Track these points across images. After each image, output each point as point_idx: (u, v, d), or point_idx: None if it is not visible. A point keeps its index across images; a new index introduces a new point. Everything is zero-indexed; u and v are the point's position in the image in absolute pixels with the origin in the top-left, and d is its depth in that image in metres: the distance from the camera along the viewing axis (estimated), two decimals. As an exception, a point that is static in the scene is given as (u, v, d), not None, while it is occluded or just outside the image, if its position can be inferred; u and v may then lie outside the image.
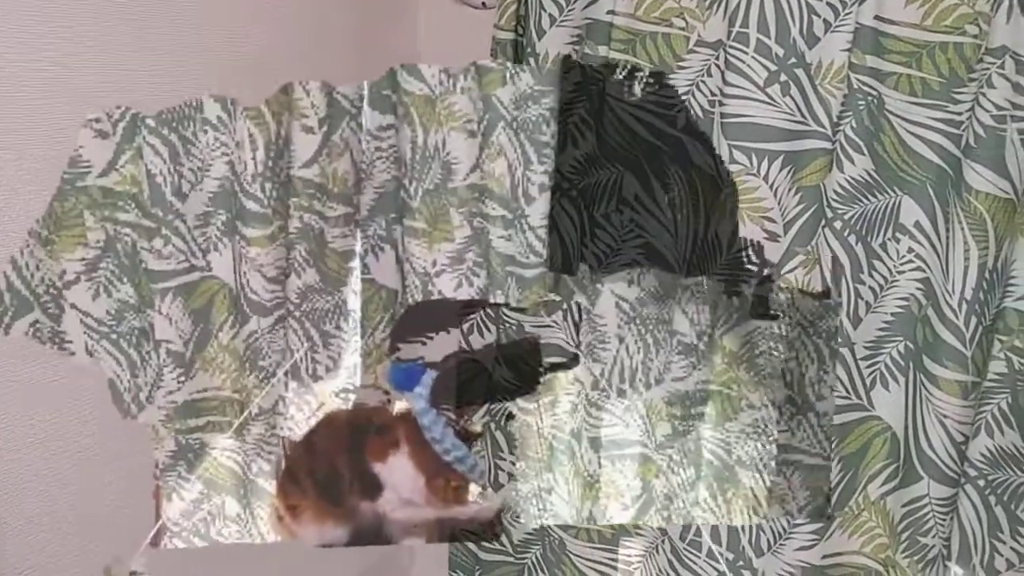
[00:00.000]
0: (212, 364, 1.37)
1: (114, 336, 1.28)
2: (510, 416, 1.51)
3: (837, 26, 1.31)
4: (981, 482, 1.35)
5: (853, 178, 1.34)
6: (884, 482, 1.42)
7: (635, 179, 1.45)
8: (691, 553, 1.52)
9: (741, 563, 1.50)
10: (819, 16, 1.32)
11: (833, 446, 1.43)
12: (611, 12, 1.41)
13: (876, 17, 1.29)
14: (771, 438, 1.46)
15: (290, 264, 1.39)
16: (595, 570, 1.61)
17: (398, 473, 1.36)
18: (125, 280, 1.28)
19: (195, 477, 1.39)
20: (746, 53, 1.34)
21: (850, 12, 1.30)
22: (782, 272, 1.39)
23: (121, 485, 1.27)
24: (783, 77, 1.34)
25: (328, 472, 1.39)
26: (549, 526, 1.59)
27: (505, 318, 1.51)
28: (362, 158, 1.40)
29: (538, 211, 1.41)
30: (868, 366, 1.40)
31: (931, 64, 1.29)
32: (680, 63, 1.41)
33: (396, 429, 1.37)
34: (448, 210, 1.40)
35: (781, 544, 1.47)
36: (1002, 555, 1.37)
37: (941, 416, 1.35)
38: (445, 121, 1.37)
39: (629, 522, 1.54)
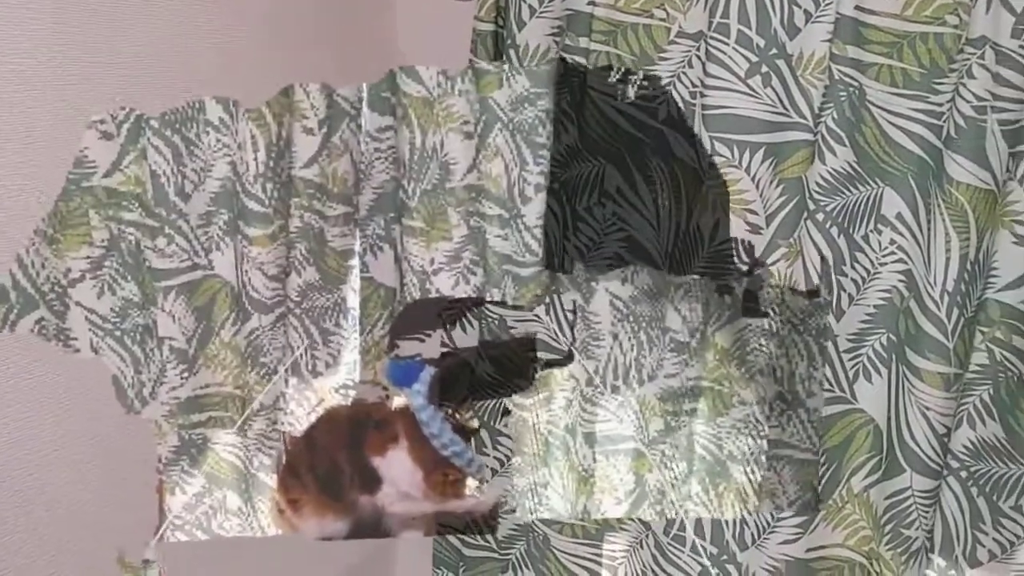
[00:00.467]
0: (214, 361, 1.38)
1: (118, 333, 1.28)
2: (506, 412, 1.52)
3: (818, 16, 1.30)
4: (963, 473, 1.34)
5: (835, 170, 1.33)
6: (867, 475, 1.41)
7: (617, 172, 1.44)
8: (675, 548, 1.53)
9: (725, 557, 1.50)
10: (800, 7, 1.31)
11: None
12: (592, 3, 1.40)
13: (856, 7, 1.28)
14: (762, 433, 1.46)
15: (291, 262, 1.40)
16: (579, 565, 1.60)
17: (397, 467, 1.36)
18: (129, 278, 1.29)
19: (197, 471, 1.40)
20: (727, 44, 1.33)
21: (831, 2, 1.29)
22: (764, 264, 1.39)
23: (98, 484, 1.26)
24: (764, 68, 1.33)
25: (328, 467, 1.40)
26: (533, 522, 1.59)
27: (491, 314, 1.52)
28: (361, 159, 1.41)
29: (534, 211, 1.42)
30: (851, 359, 1.40)
31: (912, 55, 1.28)
32: (661, 54, 1.39)
33: (395, 424, 1.37)
34: (446, 210, 1.41)
35: (765, 538, 1.47)
36: (984, 546, 1.37)
37: (924, 408, 1.34)
38: (443, 122, 1.38)
39: (622, 516, 1.55)
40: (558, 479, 1.56)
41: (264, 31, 1.41)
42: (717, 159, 1.36)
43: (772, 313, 1.43)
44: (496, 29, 1.49)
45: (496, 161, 1.40)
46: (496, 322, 1.51)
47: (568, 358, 1.49)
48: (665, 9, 1.38)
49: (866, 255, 1.37)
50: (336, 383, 1.47)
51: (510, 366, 1.50)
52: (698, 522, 1.51)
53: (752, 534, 1.49)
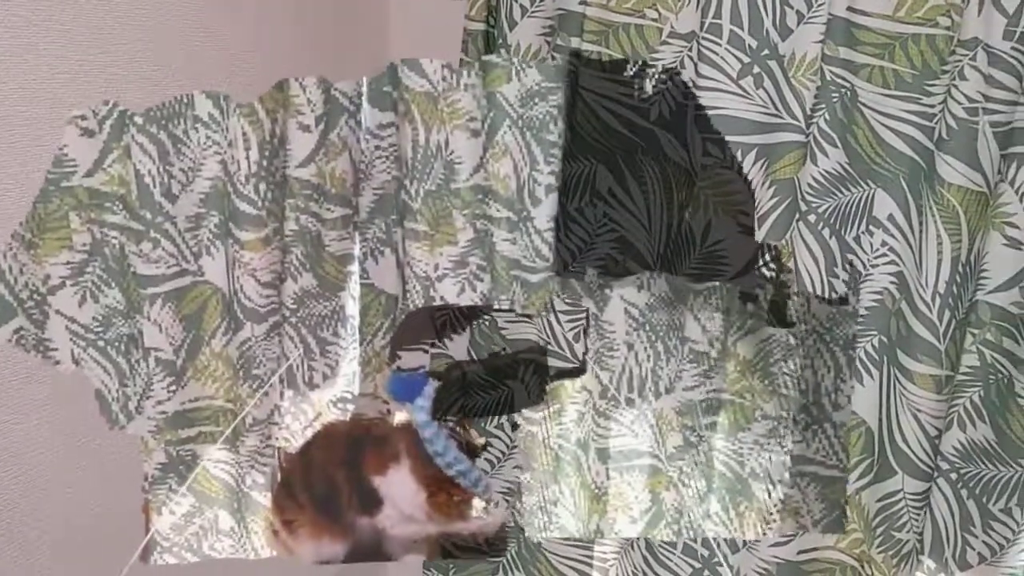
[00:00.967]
0: (204, 372, 1.36)
1: (101, 343, 1.26)
2: (515, 426, 1.50)
3: (810, 17, 1.32)
4: (953, 475, 1.36)
5: (827, 171, 1.34)
6: (859, 477, 1.42)
7: (608, 172, 1.46)
8: (666, 550, 1.54)
9: (716, 559, 1.51)
10: (792, 7, 1.32)
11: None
12: (583, 3, 1.42)
13: (849, 8, 1.30)
14: (786, 449, 1.45)
15: (285, 268, 1.37)
16: (570, 567, 1.61)
17: (398, 487, 1.34)
18: (113, 285, 1.26)
19: (186, 490, 1.38)
20: (719, 45, 1.34)
21: (823, 3, 1.30)
22: (757, 266, 1.40)
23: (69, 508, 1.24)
24: (756, 69, 1.34)
25: (325, 486, 1.38)
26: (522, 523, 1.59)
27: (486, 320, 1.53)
28: (361, 157, 1.39)
29: (544, 213, 1.39)
30: None
31: (904, 56, 1.30)
32: (653, 55, 1.41)
33: (396, 441, 1.36)
34: (451, 212, 1.39)
35: (756, 540, 1.49)
36: (974, 548, 1.38)
37: (915, 410, 1.36)
38: (448, 119, 1.36)
39: (638, 536, 1.54)
40: (569, 496, 1.54)
41: (251, 29, 1.40)
42: (709, 160, 1.39)
43: (796, 322, 1.41)
44: (487, 28, 1.51)
45: (504, 160, 1.37)
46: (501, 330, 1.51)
47: (580, 369, 1.47)
48: (657, 9, 1.40)
49: (858, 257, 1.38)
50: (334, 396, 1.45)
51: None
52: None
53: (743, 536, 1.50)
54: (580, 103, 1.43)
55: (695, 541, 1.53)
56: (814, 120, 1.33)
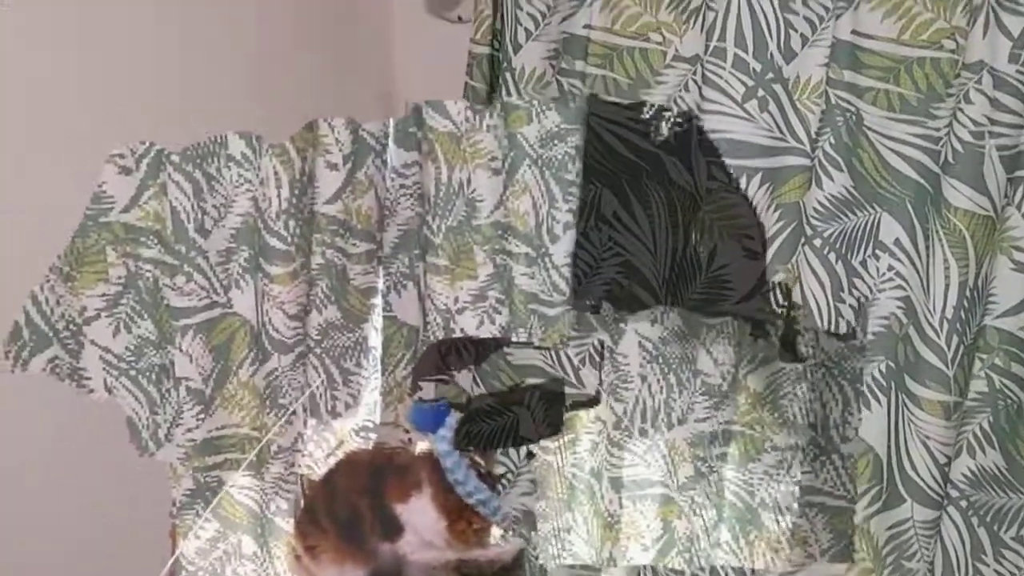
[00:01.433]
0: (231, 401, 1.39)
1: (133, 373, 1.31)
2: (530, 455, 1.50)
3: (814, 41, 1.31)
4: (963, 503, 1.32)
5: (832, 195, 1.32)
6: (868, 504, 1.39)
7: (614, 196, 1.44)
8: None
9: None
10: (796, 31, 1.31)
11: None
12: (588, 26, 1.40)
13: (853, 32, 1.28)
14: (795, 480, 1.45)
15: (311, 301, 1.40)
16: None
17: (419, 515, 1.35)
18: (146, 316, 1.31)
19: (212, 516, 1.41)
20: (723, 68, 1.33)
21: (827, 26, 1.29)
22: (763, 291, 1.38)
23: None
24: (761, 92, 1.33)
25: (348, 512, 1.39)
26: (529, 553, 1.55)
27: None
28: (386, 195, 1.42)
29: (562, 249, 1.41)
30: None
31: (909, 79, 1.28)
32: (658, 78, 1.39)
33: (418, 470, 1.37)
34: (471, 247, 1.41)
35: (766, 571, 1.47)
36: None
37: (924, 437, 1.33)
38: (470, 158, 1.38)
39: (650, 563, 1.53)
40: (582, 524, 1.54)
41: (262, 56, 1.45)
42: (714, 184, 1.37)
43: (807, 357, 1.40)
44: (492, 52, 1.50)
45: (524, 198, 1.39)
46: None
47: (595, 400, 1.47)
48: (661, 33, 1.38)
49: (864, 281, 1.36)
50: (356, 425, 1.47)
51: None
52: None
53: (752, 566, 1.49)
54: (584, 127, 1.42)
55: (703, 570, 1.50)
56: (819, 144, 1.32)
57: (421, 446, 1.41)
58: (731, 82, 1.33)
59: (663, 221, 1.43)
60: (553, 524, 1.54)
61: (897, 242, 1.34)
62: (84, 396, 1.29)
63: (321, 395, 1.43)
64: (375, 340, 1.46)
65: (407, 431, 1.44)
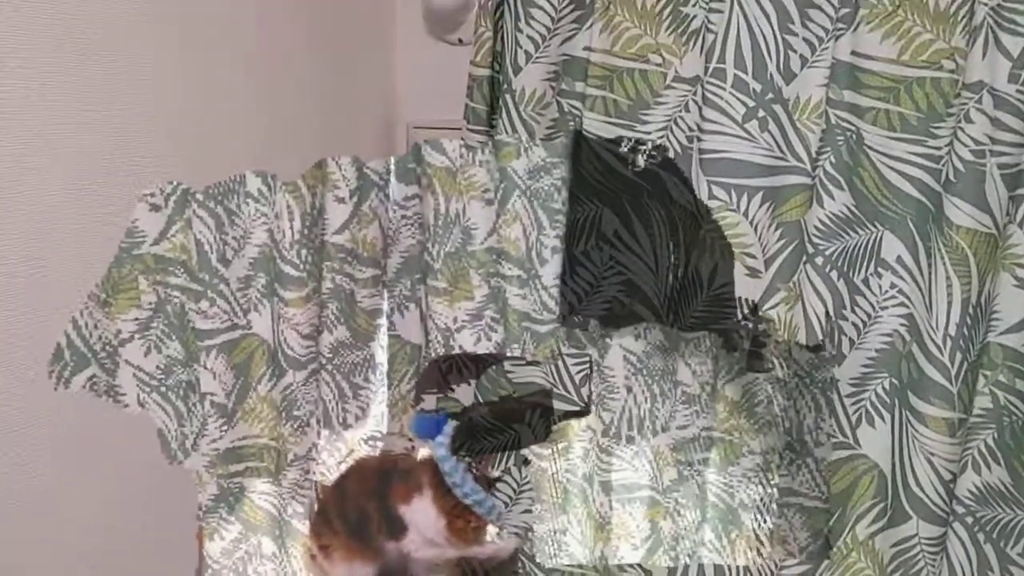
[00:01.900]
0: (251, 414, 1.44)
1: (163, 389, 1.36)
2: (526, 461, 1.52)
3: (814, 62, 1.30)
4: (969, 519, 1.31)
5: (833, 214, 1.31)
6: (872, 521, 1.38)
7: (615, 215, 1.42)
8: None
9: None
10: (795, 52, 1.30)
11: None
12: (587, 48, 1.38)
13: (853, 52, 1.27)
14: (772, 482, 1.47)
15: (323, 322, 1.45)
16: None
17: (421, 515, 1.40)
18: (174, 338, 1.36)
19: (235, 519, 1.46)
20: (723, 89, 1.31)
21: (827, 47, 1.28)
22: (764, 309, 1.36)
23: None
24: (761, 113, 1.31)
25: (357, 514, 1.44)
26: (532, 569, 1.55)
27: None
28: (389, 225, 1.47)
29: (551, 271, 1.45)
30: (853, 403, 1.38)
31: (909, 99, 1.27)
32: (657, 99, 1.38)
33: (419, 474, 1.40)
34: (468, 271, 1.45)
35: None
36: None
37: (929, 454, 1.31)
38: (465, 191, 1.42)
39: (638, 562, 1.56)
40: (576, 526, 1.57)
41: (263, 78, 1.44)
42: (714, 203, 1.35)
43: (779, 366, 1.43)
44: (492, 74, 1.49)
45: (515, 226, 1.43)
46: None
47: (585, 410, 1.50)
48: (661, 54, 1.37)
49: (866, 299, 1.35)
50: (365, 435, 1.51)
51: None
52: (700, 571, 1.51)
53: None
54: (585, 147, 1.41)
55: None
56: (820, 163, 1.29)
57: (423, 452, 1.44)
58: (731, 102, 1.32)
59: (664, 240, 1.42)
60: (549, 526, 1.56)
61: (899, 260, 1.32)
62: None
63: (333, 408, 1.49)
64: (381, 357, 1.50)
65: (411, 439, 1.48)
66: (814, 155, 1.31)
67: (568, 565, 1.55)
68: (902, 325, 1.34)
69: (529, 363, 1.48)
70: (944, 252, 1.27)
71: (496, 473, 1.48)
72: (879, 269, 1.34)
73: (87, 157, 1.18)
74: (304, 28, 1.60)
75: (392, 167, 1.44)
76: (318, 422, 1.49)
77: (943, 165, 1.27)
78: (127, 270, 1.31)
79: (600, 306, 1.46)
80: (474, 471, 1.42)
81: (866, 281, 1.34)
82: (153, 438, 1.35)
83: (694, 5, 1.36)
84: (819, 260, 1.33)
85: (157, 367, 1.35)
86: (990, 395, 1.28)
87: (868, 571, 1.40)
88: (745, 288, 1.39)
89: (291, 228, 1.40)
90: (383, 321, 1.50)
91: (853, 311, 1.36)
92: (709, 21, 1.34)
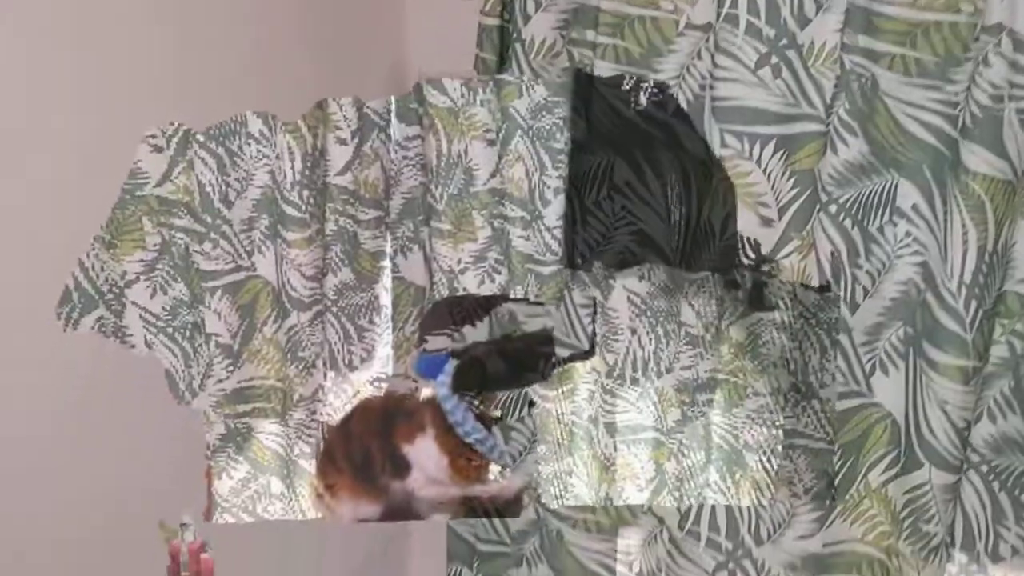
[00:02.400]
0: (257, 355, 1.46)
1: (170, 330, 1.37)
2: (531, 403, 1.54)
3: (828, 6, 1.28)
4: (984, 468, 1.31)
5: (848, 161, 1.30)
6: (885, 469, 1.39)
7: (626, 165, 1.41)
8: (689, 543, 1.52)
9: (740, 552, 1.50)
10: None
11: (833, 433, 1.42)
12: None
13: None
14: (777, 423, 1.47)
15: (327, 264, 1.47)
16: (594, 560, 1.60)
17: (424, 454, 1.42)
18: (179, 279, 1.38)
19: (243, 458, 1.48)
20: (736, 35, 1.30)
21: None
22: (777, 257, 1.36)
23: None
24: (774, 59, 1.30)
25: (362, 454, 1.46)
26: (545, 516, 1.59)
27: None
28: (391, 166, 1.47)
29: (554, 212, 1.45)
30: (867, 352, 1.38)
31: (926, 43, 1.25)
32: (670, 47, 1.36)
33: (422, 414, 1.43)
34: (471, 213, 1.45)
35: (781, 533, 1.47)
36: (1007, 541, 1.35)
37: (942, 402, 1.31)
38: (467, 131, 1.42)
39: (639, 505, 1.57)
40: (582, 467, 1.58)
41: (273, 30, 1.45)
42: (727, 151, 1.34)
43: (783, 307, 1.43)
44: (502, 24, 1.49)
45: (517, 166, 1.43)
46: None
47: (589, 352, 1.51)
48: (673, 1, 1.36)
49: (881, 247, 1.35)
50: (370, 376, 1.52)
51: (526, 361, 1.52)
52: (712, 517, 1.52)
53: (768, 529, 1.48)
54: (596, 96, 1.40)
55: (719, 534, 1.49)
56: (834, 109, 1.28)
57: (426, 392, 1.46)
58: (744, 49, 1.31)
59: (676, 189, 1.41)
60: (555, 467, 1.57)
61: (914, 207, 1.31)
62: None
63: (339, 350, 1.50)
64: (386, 299, 1.51)
65: (415, 380, 1.49)
66: (828, 102, 1.30)
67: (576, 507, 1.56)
68: (917, 273, 1.33)
69: (533, 304, 1.49)
70: (960, 199, 1.25)
71: (497, 413, 1.49)
72: (894, 217, 1.33)
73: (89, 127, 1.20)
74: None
75: (393, 107, 1.44)
76: (324, 364, 1.50)
77: (960, 111, 1.25)
78: (131, 212, 1.32)
79: (612, 256, 1.47)
80: (476, 411, 1.44)
81: (881, 229, 1.34)
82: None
83: (705, -50, 1.35)
84: (833, 208, 1.32)
85: (163, 308, 1.37)
86: (1007, 344, 1.28)
87: (880, 518, 1.42)
88: (758, 237, 1.39)
89: (292, 169, 1.41)
90: (387, 263, 1.51)
91: (867, 260, 1.35)
92: (721, -35, 1.33)
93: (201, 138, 1.35)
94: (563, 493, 1.59)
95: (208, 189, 1.37)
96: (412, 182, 1.48)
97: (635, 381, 1.53)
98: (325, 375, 1.51)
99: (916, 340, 1.34)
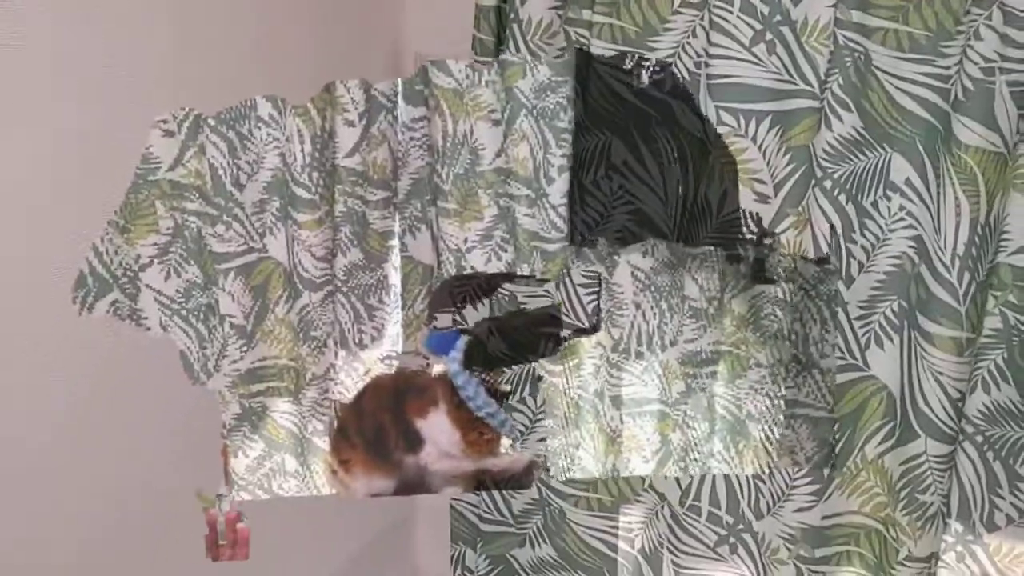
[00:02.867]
0: (270, 335, 1.47)
1: (184, 312, 1.39)
2: (539, 378, 1.55)
3: None
4: (979, 438, 1.32)
5: (842, 136, 1.30)
6: (881, 441, 1.40)
7: (623, 144, 1.42)
8: (691, 518, 1.54)
9: (741, 526, 1.52)
10: None
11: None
12: None
13: None
14: (778, 394, 1.48)
15: (336, 244, 1.48)
16: (596, 538, 1.62)
17: (437, 428, 1.43)
18: (192, 262, 1.39)
19: (258, 436, 1.50)
20: (731, 12, 1.31)
21: None
22: (773, 235, 1.38)
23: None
24: (768, 36, 1.30)
25: (375, 429, 1.47)
26: (548, 495, 1.60)
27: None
28: (398, 147, 1.48)
29: (558, 190, 1.46)
30: (862, 326, 1.39)
31: (918, 17, 1.25)
32: (665, 25, 1.37)
33: (434, 389, 1.44)
34: (477, 192, 1.46)
35: (780, 506, 1.48)
36: (1002, 511, 1.36)
37: (937, 373, 1.32)
38: (472, 111, 1.43)
39: (649, 473, 1.58)
40: (589, 440, 1.59)
41: (274, 12, 1.46)
42: (723, 129, 1.35)
43: (783, 280, 1.44)
44: (499, 3, 1.50)
45: (522, 145, 1.44)
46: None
47: (595, 327, 1.53)
48: None
49: (875, 222, 1.35)
50: (381, 354, 1.54)
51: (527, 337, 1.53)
52: (713, 492, 1.53)
53: (767, 503, 1.50)
54: (593, 75, 1.40)
55: (720, 508, 1.50)
56: (828, 85, 1.28)
57: (437, 368, 1.47)
58: (739, 26, 1.31)
59: (673, 168, 1.42)
60: (562, 441, 1.59)
61: (908, 181, 1.31)
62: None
63: (349, 329, 1.51)
64: (395, 278, 1.52)
65: (425, 357, 1.51)
66: (822, 77, 1.30)
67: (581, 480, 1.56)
68: (910, 247, 1.34)
69: (539, 281, 1.50)
70: (953, 172, 1.26)
71: (507, 387, 1.51)
72: (888, 191, 1.33)
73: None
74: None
75: (399, 89, 1.45)
76: (335, 343, 1.51)
77: (952, 85, 1.26)
78: (144, 196, 1.33)
79: (610, 236, 1.48)
80: (486, 385, 1.45)
81: (875, 204, 1.34)
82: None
83: (698, -74, 1.35)
84: (828, 184, 1.33)
85: (177, 291, 1.38)
86: (1000, 315, 1.28)
87: (877, 489, 1.43)
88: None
89: (302, 151, 1.42)
90: (395, 243, 1.52)
91: (862, 234, 1.36)
92: (715, -57, 1.32)
93: (212, 122, 1.36)
94: (571, 466, 1.60)
95: (220, 172, 1.38)
96: (419, 163, 1.48)
97: (640, 355, 1.53)
98: (336, 354, 1.52)
99: (910, 313, 1.35)
